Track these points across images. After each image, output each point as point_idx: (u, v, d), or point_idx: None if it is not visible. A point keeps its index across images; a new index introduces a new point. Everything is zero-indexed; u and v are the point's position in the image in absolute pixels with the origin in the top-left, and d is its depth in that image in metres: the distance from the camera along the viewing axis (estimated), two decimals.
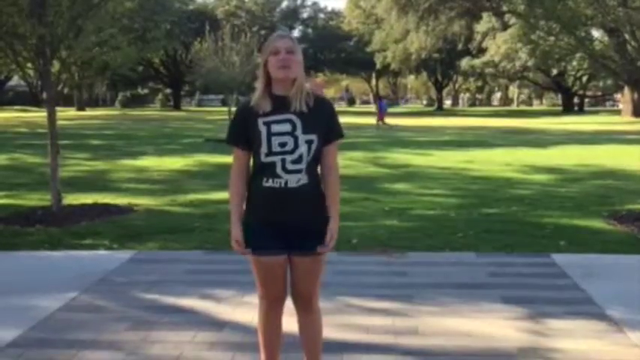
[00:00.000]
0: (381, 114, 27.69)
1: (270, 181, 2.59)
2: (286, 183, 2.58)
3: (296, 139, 2.57)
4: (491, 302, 4.15)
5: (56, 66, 7.76)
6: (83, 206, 7.63)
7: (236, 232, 2.66)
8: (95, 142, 18.28)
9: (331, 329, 3.56)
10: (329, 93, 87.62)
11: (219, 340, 3.57)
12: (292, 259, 2.71)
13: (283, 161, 2.57)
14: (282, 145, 2.56)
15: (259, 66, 2.66)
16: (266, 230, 2.65)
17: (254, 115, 2.60)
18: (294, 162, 2.57)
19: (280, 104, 2.60)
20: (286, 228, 2.64)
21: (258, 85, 2.64)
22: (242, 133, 2.64)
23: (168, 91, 62.02)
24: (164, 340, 3.55)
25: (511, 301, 4.17)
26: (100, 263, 5.16)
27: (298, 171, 2.59)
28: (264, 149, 2.56)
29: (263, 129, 2.57)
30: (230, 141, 2.70)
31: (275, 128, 2.57)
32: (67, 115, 35.13)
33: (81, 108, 49.74)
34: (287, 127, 2.58)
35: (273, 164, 2.57)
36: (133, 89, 63.50)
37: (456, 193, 8.90)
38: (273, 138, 2.56)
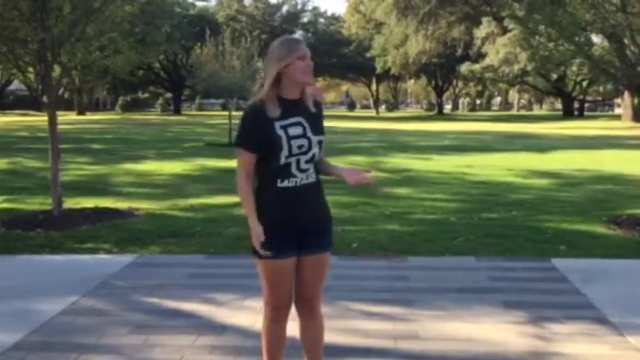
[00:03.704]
0: None
1: (286, 181, 2.63)
2: (300, 181, 2.65)
3: (309, 140, 2.64)
4: (491, 307, 4.16)
5: (57, 70, 7.77)
6: (84, 210, 7.63)
7: (259, 229, 2.60)
8: (96, 146, 18.29)
9: (331, 333, 3.57)
10: (329, 98, 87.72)
11: (220, 344, 3.58)
12: (301, 259, 2.73)
13: (298, 161, 2.63)
14: (300, 147, 2.62)
15: (268, 69, 2.63)
16: (277, 233, 2.63)
17: (268, 119, 2.61)
18: (308, 161, 2.66)
19: (289, 108, 2.64)
20: (298, 227, 2.66)
21: (266, 88, 2.62)
22: (257, 138, 2.61)
23: (168, 95, 62.06)
24: (165, 344, 3.56)
25: (511, 305, 4.17)
26: (100, 267, 5.17)
27: (309, 169, 2.67)
28: (285, 152, 2.59)
29: (281, 132, 2.60)
30: (246, 146, 2.63)
31: (292, 131, 2.62)
32: (67, 119, 35.16)
33: (81, 112, 49.77)
34: (300, 130, 2.64)
35: (289, 165, 2.62)
36: (133, 93, 63.50)
37: (457, 198, 8.91)
38: (292, 141, 2.60)
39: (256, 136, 2.61)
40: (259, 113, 2.62)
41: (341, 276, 4.76)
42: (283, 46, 2.63)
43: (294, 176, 2.63)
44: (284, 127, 2.61)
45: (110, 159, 14.45)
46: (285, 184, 2.63)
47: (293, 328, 2.94)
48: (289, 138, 2.60)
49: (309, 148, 2.64)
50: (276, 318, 2.80)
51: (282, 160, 2.60)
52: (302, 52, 2.62)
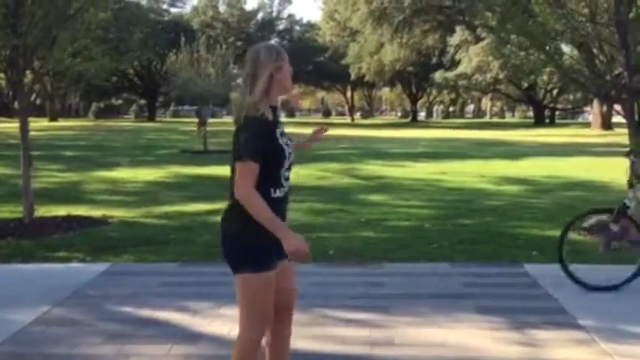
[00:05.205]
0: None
1: (278, 191, 2.60)
2: (286, 190, 2.64)
3: (290, 147, 2.65)
4: (465, 312, 4.21)
5: (29, 76, 7.67)
6: (56, 218, 7.52)
7: (296, 237, 2.45)
8: (68, 153, 18.02)
9: (308, 340, 3.58)
10: (305, 105, 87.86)
11: (195, 352, 3.56)
12: (285, 267, 2.69)
13: (285, 170, 2.63)
14: (289, 154, 2.62)
15: (259, 72, 2.53)
16: (270, 245, 2.51)
17: (271, 128, 2.56)
18: (288, 169, 2.65)
19: (275, 115, 2.63)
20: None
21: (260, 95, 2.52)
22: (265, 148, 2.51)
23: (142, 101, 61.48)
24: (139, 354, 3.53)
25: (485, 310, 4.23)
26: (73, 276, 5.09)
27: (289, 177, 2.67)
28: (287, 161, 2.59)
29: (282, 141, 2.59)
30: (257, 157, 2.47)
31: (283, 139, 2.62)
32: (39, 125, 34.54)
33: (53, 118, 48.94)
34: (286, 137, 2.65)
35: (282, 174, 2.61)
36: (106, 100, 62.77)
37: (431, 204, 8.99)
38: (286, 148, 2.60)
39: (264, 145, 2.50)
40: (264, 122, 2.52)
41: (317, 283, 4.77)
42: (273, 50, 2.61)
43: (283, 186, 2.62)
44: (281, 135, 2.60)
45: (83, 166, 14.26)
46: (277, 194, 2.59)
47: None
48: (286, 146, 2.60)
49: (291, 154, 2.64)
50: (261, 338, 2.67)
51: (284, 168, 2.59)
52: (287, 58, 2.64)
